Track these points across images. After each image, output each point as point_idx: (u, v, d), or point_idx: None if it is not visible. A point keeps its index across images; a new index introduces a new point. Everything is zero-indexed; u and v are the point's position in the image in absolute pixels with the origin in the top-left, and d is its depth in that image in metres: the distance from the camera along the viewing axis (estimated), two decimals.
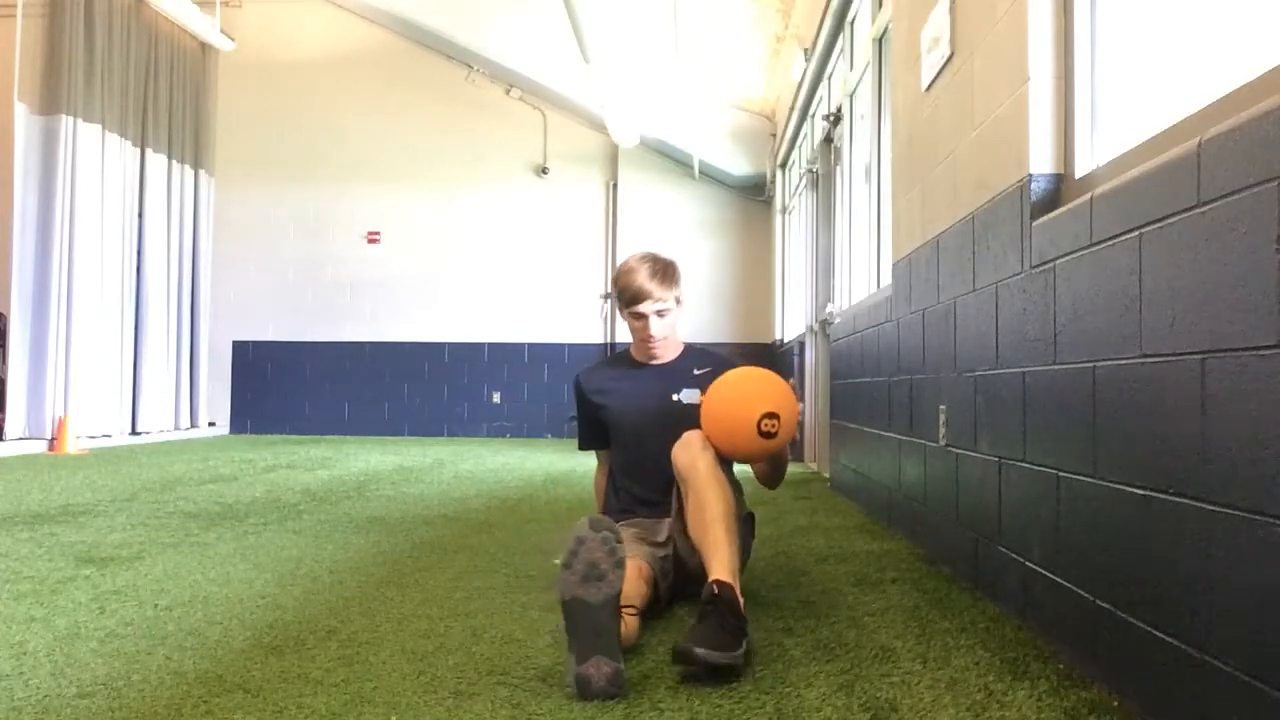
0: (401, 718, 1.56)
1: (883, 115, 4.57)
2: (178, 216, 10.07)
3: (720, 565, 1.99)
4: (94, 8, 8.73)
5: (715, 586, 1.89)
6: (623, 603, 1.89)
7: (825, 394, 5.92)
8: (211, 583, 2.61)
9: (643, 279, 2.49)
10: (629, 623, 1.91)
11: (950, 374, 2.80)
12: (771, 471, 2.49)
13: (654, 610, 2.25)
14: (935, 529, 2.98)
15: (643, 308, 2.50)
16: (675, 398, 2.53)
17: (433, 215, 10.69)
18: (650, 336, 2.53)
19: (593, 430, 2.69)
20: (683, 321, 2.65)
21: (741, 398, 2.26)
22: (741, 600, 1.91)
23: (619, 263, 2.60)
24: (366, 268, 10.73)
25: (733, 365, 2.53)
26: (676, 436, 2.36)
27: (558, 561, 1.83)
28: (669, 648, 1.96)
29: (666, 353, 2.62)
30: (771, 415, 2.21)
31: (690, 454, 2.21)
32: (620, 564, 1.73)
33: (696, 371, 2.57)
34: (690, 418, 2.35)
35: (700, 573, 2.09)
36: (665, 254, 2.60)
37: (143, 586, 2.55)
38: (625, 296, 2.51)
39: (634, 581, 2.14)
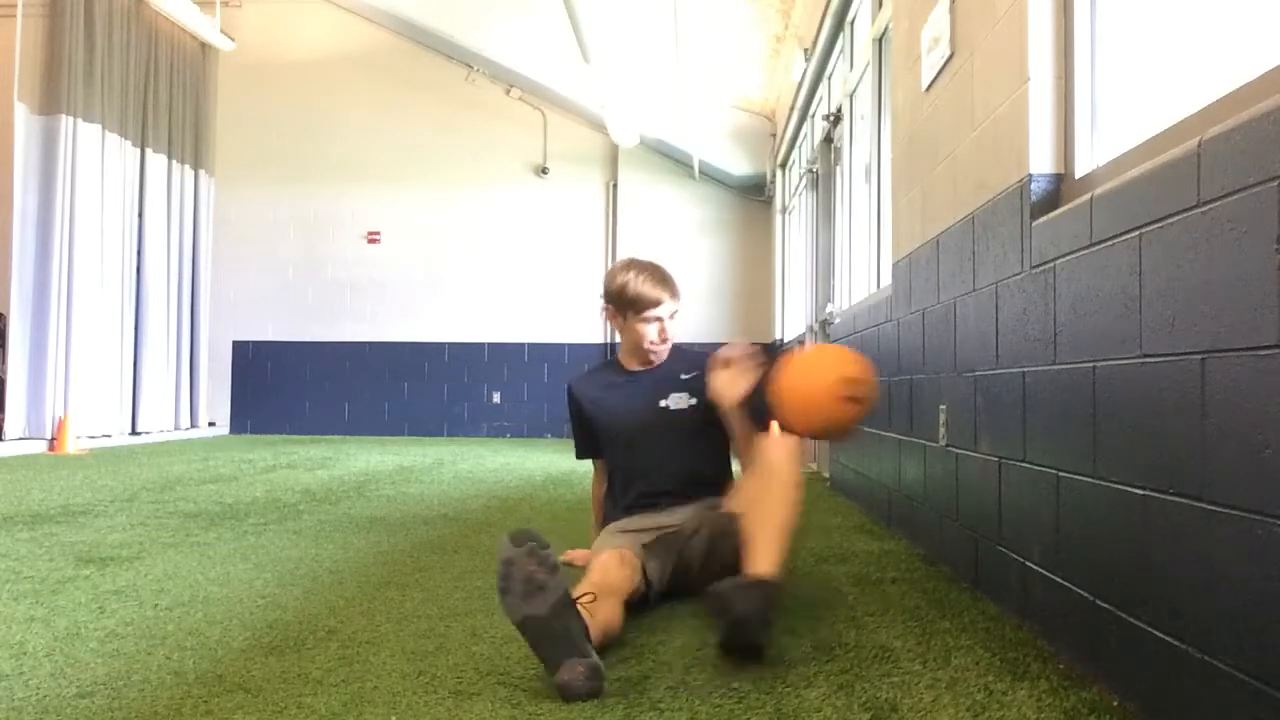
0: (401, 718, 1.56)
1: (883, 115, 4.57)
2: (178, 216, 10.07)
3: (765, 562, 1.97)
4: (94, 8, 8.73)
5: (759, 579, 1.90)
6: (596, 591, 1.89)
7: None
8: (211, 583, 2.61)
9: (655, 286, 2.52)
10: (603, 611, 1.88)
11: (950, 374, 2.80)
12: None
13: (646, 604, 2.24)
14: (935, 529, 2.98)
15: (659, 311, 2.52)
16: (663, 404, 2.53)
17: (433, 215, 10.69)
18: (666, 340, 2.55)
19: (588, 439, 2.69)
20: (683, 321, 2.66)
21: (819, 364, 2.26)
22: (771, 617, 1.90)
23: (607, 275, 2.60)
24: (366, 268, 10.74)
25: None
26: (667, 443, 2.36)
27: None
28: (669, 648, 1.97)
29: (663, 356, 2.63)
30: (854, 380, 2.20)
31: (782, 452, 2.18)
32: (555, 567, 1.70)
33: (684, 376, 2.57)
34: (679, 423, 2.34)
35: (707, 565, 2.07)
36: (646, 259, 2.62)
37: (143, 586, 2.55)
38: (640, 303, 2.51)
39: (613, 570, 2.13)
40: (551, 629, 1.66)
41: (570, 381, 2.73)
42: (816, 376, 2.21)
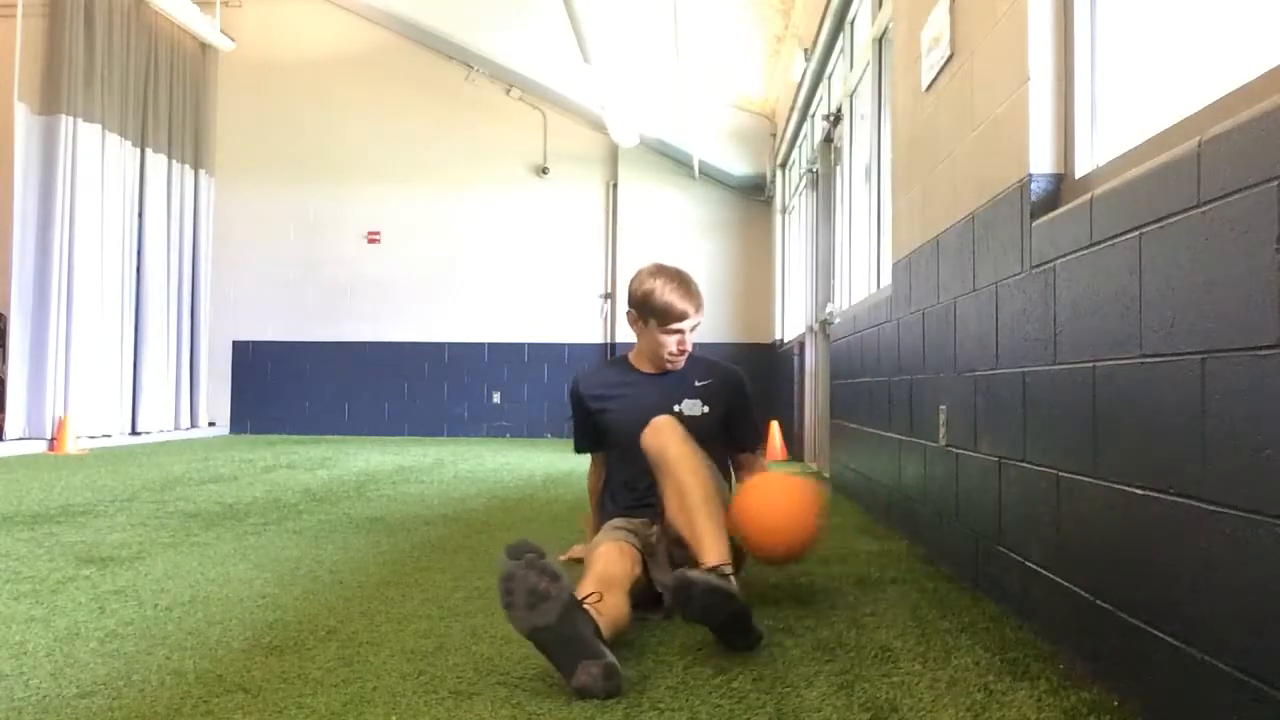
0: (401, 718, 1.56)
1: (883, 115, 4.57)
2: (178, 216, 10.06)
3: (712, 552, 1.97)
4: (94, 8, 8.73)
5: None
6: (601, 586, 1.89)
7: (825, 394, 5.92)
8: (211, 583, 2.61)
9: (682, 298, 2.48)
10: (610, 605, 1.87)
11: (950, 374, 2.80)
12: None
13: (648, 600, 2.24)
14: (935, 529, 2.98)
15: (684, 324, 2.50)
16: (677, 409, 2.50)
17: (432, 215, 10.69)
18: (685, 352, 2.54)
19: (588, 434, 2.68)
20: None
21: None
22: (736, 586, 1.90)
23: (632, 276, 2.57)
24: (366, 268, 10.73)
25: (733, 375, 2.59)
26: None
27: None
28: (669, 647, 1.97)
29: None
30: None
31: (660, 439, 2.19)
32: (557, 575, 1.70)
33: (698, 383, 2.56)
34: (691, 428, 2.34)
35: (687, 564, 2.09)
36: (674, 266, 2.59)
37: (143, 586, 2.55)
38: (667, 315, 2.48)
39: (615, 561, 2.13)
40: (562, 635, 1.66)
41: (575, 378, 2.71)
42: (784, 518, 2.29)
